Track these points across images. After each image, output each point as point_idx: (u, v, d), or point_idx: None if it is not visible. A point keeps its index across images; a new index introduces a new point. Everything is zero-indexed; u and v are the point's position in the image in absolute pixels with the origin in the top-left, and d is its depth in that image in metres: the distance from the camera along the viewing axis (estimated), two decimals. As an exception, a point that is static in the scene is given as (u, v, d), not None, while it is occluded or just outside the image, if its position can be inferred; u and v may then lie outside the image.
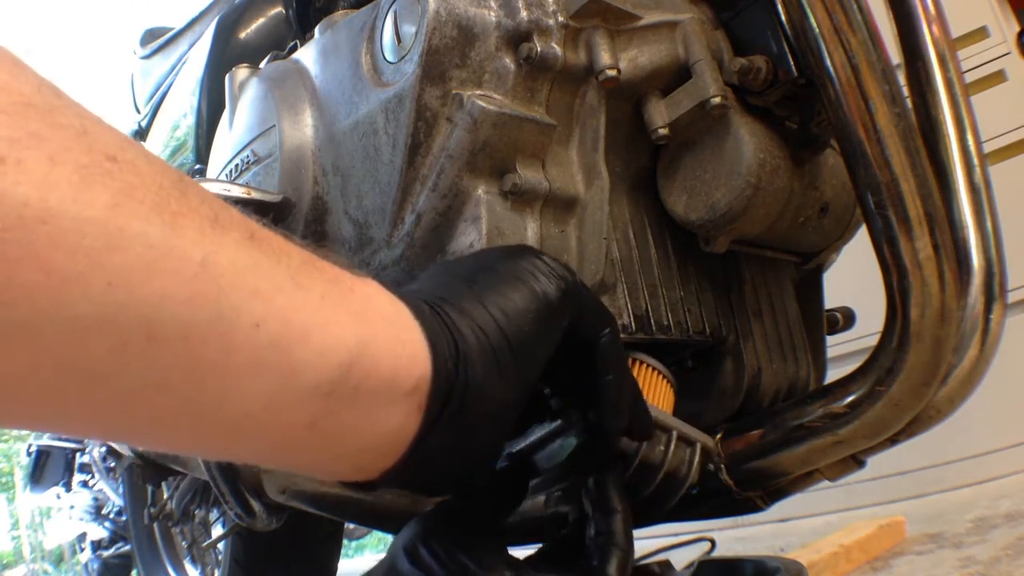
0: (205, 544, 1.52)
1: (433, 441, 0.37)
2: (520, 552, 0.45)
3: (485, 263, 0.43)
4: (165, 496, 1.46)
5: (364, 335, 0.34)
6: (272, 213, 0.62)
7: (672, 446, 0.56)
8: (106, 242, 0.25)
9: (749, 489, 0.64)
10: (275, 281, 0.31)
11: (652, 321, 0.60)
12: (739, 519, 1.94)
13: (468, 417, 0.37)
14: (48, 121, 0.25)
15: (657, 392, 0.59)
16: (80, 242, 0.24)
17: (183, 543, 1.67)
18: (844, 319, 0.83)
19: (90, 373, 0.26)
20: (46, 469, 2.67)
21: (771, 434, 0.61)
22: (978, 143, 0.62)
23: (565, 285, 0.43)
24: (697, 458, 0.59)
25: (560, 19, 0.55)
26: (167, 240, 0.27)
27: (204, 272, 0.28)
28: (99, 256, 0.25)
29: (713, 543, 1.00)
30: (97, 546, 2.61)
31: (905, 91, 0.60)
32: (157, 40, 1.62)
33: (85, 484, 2.47)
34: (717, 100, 0.56)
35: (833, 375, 0.64)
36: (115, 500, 2.30)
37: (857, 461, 0.64)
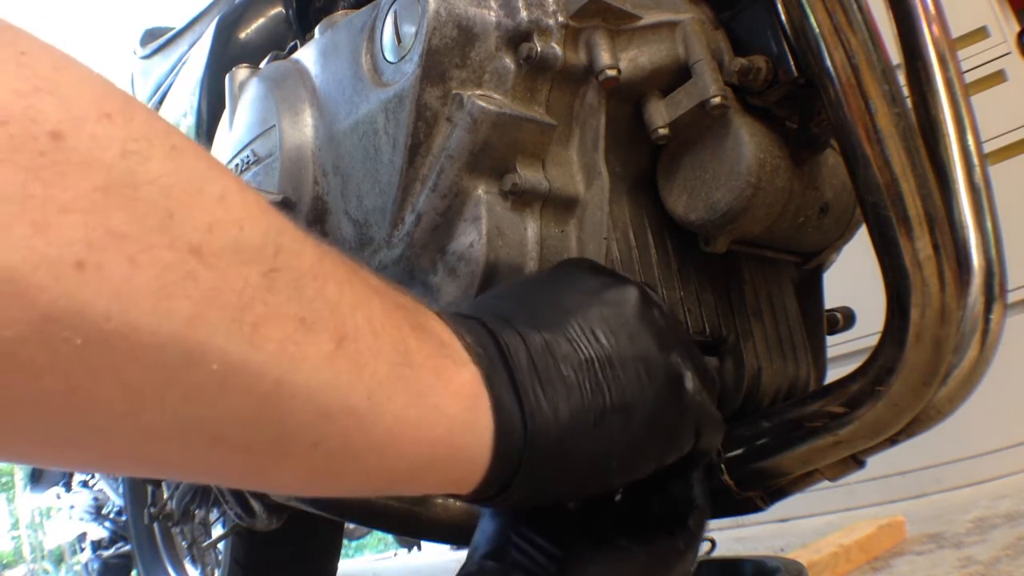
0: (205, 544, 1.52)
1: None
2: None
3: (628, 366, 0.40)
4: (165, 496, 1.46)
5: (424, 463, 0.33)
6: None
7: None
8: (184, 359, 0.24)
9: (749, 489, 0.64)
10: (349, 402, 0.29)
11: (652, 321, 0.60)
12: (739, 519, 1.94)
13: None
14: (129, 210, 0.23)
15: None
16: (158, 357, 0.24)
17: (183, 543, 1.67)
18: (844, 319, 0.83)
19: (157, 464, 0.27)
20: (46, 469, 2.67)
21: (771, 434, 0.61)
22: (978, 143, 0.62)
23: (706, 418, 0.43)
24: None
25: (560, 19, 0.55)
26: (244, 357, 0.26)
27: (276, 392, 0.27)
28: (175, 372, 0.24)
29: (713, 543, 1.00)
30: (97, 546, 2.61)
31: (905, 91, 0.60)
32: (157, 40, 1.62)
33: (85, 484, 2.47)
34: (717, 100, 0.56)
35: (833, 375, 0.64)
36: (115, 500, 2.30)
37: (857, 461, 0.63)
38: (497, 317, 0.39)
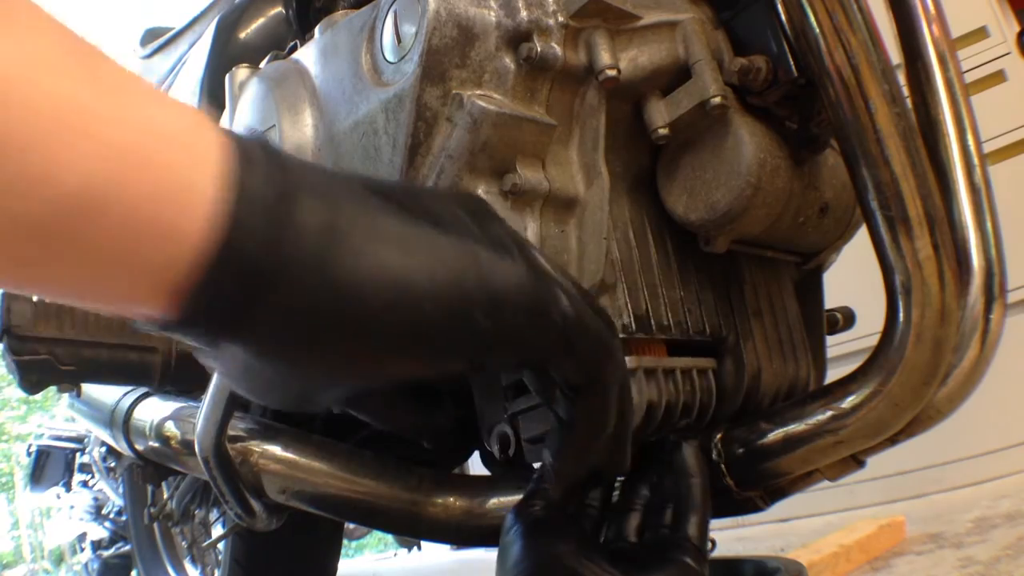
0: (205, 544, 1.52)
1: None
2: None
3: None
4: (165, 496, 1.46)
5: (129, 198, 0.25)
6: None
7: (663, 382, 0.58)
8: None
9: (749, 489, 0.64)
10: None
11: (652, 321, 0.60)
12: (739, 519, 1.94)
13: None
14: None
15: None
16: None
17: (183, 543, 1.67)
18: (844, 319, 0.83)
19: None
20: (46, 469, 2.67)
21: (771, 434, 0.61)
22: (978, 143, 0.62)
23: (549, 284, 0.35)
24: (699, 383, 0.61)
25: (560, 19, 0.55)
26: None
27: None
28: None
29: (713, 543, 1.00)
30: (97, 546, 2.62)
31: (905, 91, 0.60)
32: (157, 40, 1.62)
33: (85, 484, 2.48)
34: (717, 100, 0.56)
35: (833, 375, 0.64)
36: (115, 500, 2.30)
37: (857, 461, 0.63)
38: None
